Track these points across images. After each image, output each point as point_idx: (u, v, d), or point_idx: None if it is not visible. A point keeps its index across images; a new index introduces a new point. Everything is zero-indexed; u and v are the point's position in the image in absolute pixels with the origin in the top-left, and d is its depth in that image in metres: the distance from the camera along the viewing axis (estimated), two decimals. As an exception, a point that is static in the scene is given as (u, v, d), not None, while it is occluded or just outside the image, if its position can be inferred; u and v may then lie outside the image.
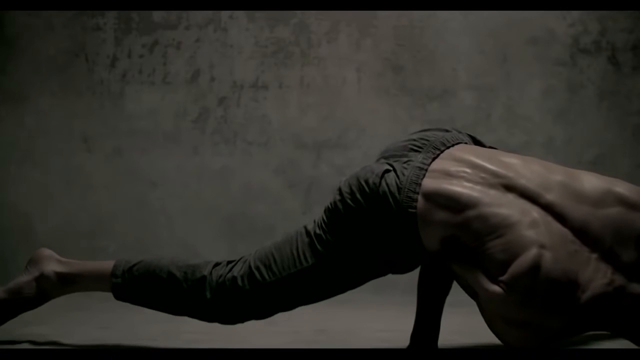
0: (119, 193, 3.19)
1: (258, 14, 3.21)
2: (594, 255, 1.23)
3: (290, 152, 3.17)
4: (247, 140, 3.18)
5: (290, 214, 3.12)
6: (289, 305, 1.63)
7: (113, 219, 3.17)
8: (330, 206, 1.51)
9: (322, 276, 1.53)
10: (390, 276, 3.05)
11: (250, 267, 1.56)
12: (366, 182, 1.43)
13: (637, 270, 1.22)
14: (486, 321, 1.31)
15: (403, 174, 1.41)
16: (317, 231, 1.50)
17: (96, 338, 1.96)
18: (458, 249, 1.35)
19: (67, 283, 1.73)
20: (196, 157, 3.18)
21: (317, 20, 3.20)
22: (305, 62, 3.20)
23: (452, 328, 2.00)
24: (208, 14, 3.21)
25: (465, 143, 1.51)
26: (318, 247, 1.50)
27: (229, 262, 1.61)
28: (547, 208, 1.28)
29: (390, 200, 1.39)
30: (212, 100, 3.21)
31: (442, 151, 1.45)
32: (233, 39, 3.22)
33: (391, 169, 1.44)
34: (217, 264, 1.61)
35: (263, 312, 1.62)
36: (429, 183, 1.38)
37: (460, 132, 1.56)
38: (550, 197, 1.29)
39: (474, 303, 1.38)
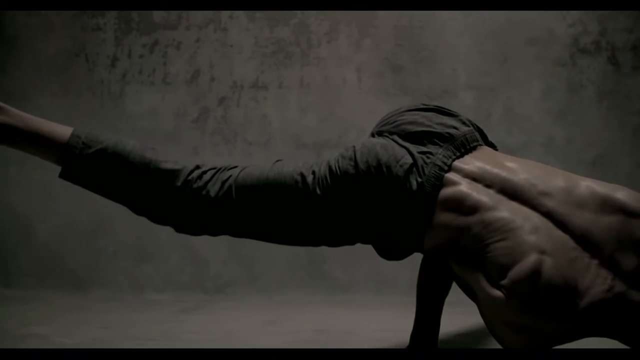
0: (119, 193, 3.19)
1: (258, 14, 3.21)
2: (595, 262, 1.23)
3: (290, 152, 3.16)
4: (247, 140, 3.18)
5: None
6: (248, 235, 1.54)
7: (113, 219, 3.16)
8: (338, 171, 1.44)
9: (302, 229, 1.49)
10: (390, 276, 3.05)
11: (230, 192, 1.47)
12: (388, 168, 1.40)
13: (637, 278, 1.22)
14: (486, 323, 1.31)
15: (424, 172, 1.39)
16: (318, 191, 1.44)
17: (96, 338, 1.96)
18: (459, 250, 1.35)
19: None
20: (196, 157, 3.18)
21: (317, 20, 3.20)
22: (305, 62, 3.20)
23: (452, 328, 2.00)
24: (208, 14, 3.22)
25: (480, 144, 1.51)
26: (311, 204, 1.44)
27: (203, 173, 1.49)
28: (548, 215, 1.28)
29: (408, 197, 1.38)
30: (212, 100, 3.21)
31: (462, 154, 1.44)
32: (233, 39, 3.22)
33: (413, 162, 1.40)
34: (190, 173, 1.49)
35: (219, 232, 1.54)
36: (445, 190, 1.37)
37: (474, 129, 1.54)
38: (551, 203, 1.29)
39: (473, 303, 1.38)
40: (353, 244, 1.52)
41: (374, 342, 1.93)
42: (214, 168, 1.52)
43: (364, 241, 1.51)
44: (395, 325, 2.10)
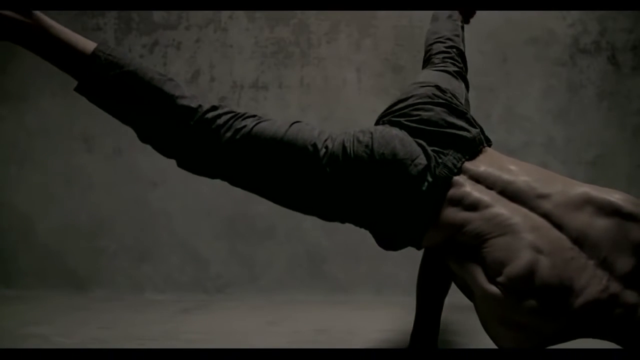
0: (119, 193, 3.19)
1: (258, 14, 3.21)
2: (591, 262, 1.25)
3: (290, 152, 3.16)
4: (247, 140, 3.18)
5: (290, 213, 3.09)
6: (246, 187, 1.54)
7: (113, 219, 3.17)
8: (351, 154, 1.44)
9: (301, 196, 1.49)
10: (390, 276, 3.05)
11: (241, 142, 1.46)
12: (403, 165, 1.41)
13: (631, 279, 1.24)
14: (481, 321, 1.32)
15: (435, 172, 1.41)
16: (327, 168, 1.43)
17: (96, 338, 1.96)
18: (457, 247, 1.36)
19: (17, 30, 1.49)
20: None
21: (317, 20, 3.20)
22: (305, 62, 3.20)
23: (451, 328, 2.01)
24: (208, 14, 3.22)
25: (484, 145, 1.52)
26: (318, 178, 1.45)
27: (218, 117, 1.49)
28: (546, 216, 1.30)
29: (416, 195, 1.39)
30: (212, 100, 3.18)
31: (471, 157, 1.46)
32: (233, 39, 3.22)
33: (427, 163, 1.42)
34: (205, 113, 1.48)
35: (219, 176, 1.55)
36: (451, 190, 1.39)
37: (481, 131, 1.55)
38: (549, 205, 1.32)
39: (471, 303, 1.38)
40: (344, 222, 1.53)
41: (374, 342, 1.93)
42: (231, 112, 1.52)
43: (358, 224, 1.52)
44: (395, 325, 2.10)
